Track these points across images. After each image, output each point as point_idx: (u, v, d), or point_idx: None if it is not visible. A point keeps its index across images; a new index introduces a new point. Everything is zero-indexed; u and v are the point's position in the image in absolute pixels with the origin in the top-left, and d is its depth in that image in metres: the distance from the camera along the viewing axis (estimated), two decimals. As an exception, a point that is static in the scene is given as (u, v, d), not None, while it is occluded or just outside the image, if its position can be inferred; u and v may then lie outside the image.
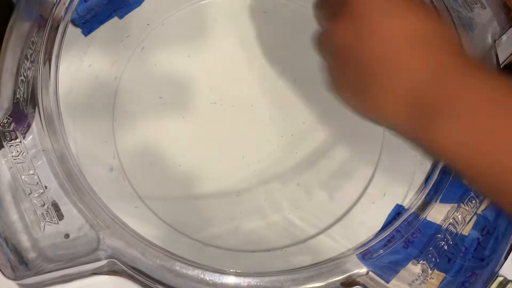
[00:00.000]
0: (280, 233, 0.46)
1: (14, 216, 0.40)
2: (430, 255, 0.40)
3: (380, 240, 0.41)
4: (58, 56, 0.41)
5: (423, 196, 0.43)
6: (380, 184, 0.47)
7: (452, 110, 0.28)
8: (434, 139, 0.29)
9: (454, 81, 0.29)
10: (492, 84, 0.29)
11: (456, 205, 0.41)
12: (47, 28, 0.41)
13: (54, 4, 0.41)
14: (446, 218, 0.41)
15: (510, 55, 0.45)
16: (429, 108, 0.29)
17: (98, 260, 0.38)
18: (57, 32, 0.41)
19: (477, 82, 0.29)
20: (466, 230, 0.42)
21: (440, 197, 0.42)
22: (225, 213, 0.46)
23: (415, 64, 0.30)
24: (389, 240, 0.41)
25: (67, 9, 0.41)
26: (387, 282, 0.41)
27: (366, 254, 0.41)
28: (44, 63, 0.41)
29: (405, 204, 0.46)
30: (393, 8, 0.31)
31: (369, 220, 0.46)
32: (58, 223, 0.39)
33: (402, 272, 0.42)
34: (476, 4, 0.42)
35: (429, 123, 0.29)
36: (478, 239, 0.42)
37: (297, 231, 0.46)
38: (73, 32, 0.47)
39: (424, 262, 0.40)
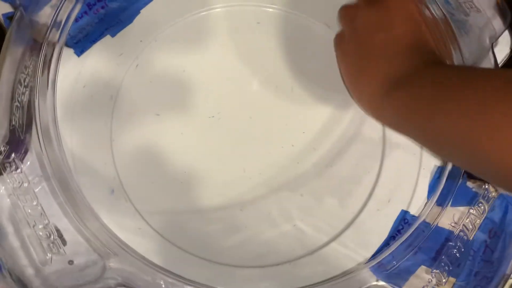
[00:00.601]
0: (288, 245, 0.46)
1: (16, 246, 0.39)
2: (443, 264, 0.40)
3: (393, 251, 0.40)
4: (54, 82, 0.40)
5: (433, 203, 0.43)
6: (384, 191, 0.47)
7: (403, 85, 0.37)
8: (385, 107, 0.38)
9: (417, 72, 0.37)
10: (440, 70, 0.37)
11: (466, 210, 0.41)
12: (42, 53, 0.40)
13: (48, 27, 0.40)
14: (456, 223, 0.41)
15: (506, 56, 0.46)
16: (391, 87, 0.38)
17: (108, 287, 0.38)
18: (52, 57, 0.40)
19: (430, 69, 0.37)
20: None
21: (450, 202, 0.42)
22: (231, 229, 0.46)
23: (401, 60, 0.39)
24: (404, 249, 0.41)
25: (61, 32, 0.41)
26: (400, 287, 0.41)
27: (380, 266, 0.40)
28: (41, 89, 0.40)
29: (412, 210, 0.46)
30: (411, 16, 0.40)
31: (376, 227, 0.46)
32: (65, 253, 0.38)
33: (412, 279, 0.42)
34: (471, 8, 0.42)
35: (387, 94, 0.38)
36: (485, 241, 0.42)
37: (305, 241, 0.46)
38: (66, 52, 0.46)
39: (438, 271, 0.40)
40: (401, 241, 0.40)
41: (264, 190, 0.47)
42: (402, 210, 0.46)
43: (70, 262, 0.40)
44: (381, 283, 0.42)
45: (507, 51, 0.46)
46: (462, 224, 0.41)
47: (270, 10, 0.50)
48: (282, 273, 0.45)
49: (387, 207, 0.46)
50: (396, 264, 0.40)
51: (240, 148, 0.48)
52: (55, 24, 0.41)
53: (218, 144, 0.48)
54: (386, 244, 0.45)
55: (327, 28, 0.50)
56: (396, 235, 0.45)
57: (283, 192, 0.47)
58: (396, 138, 0.47)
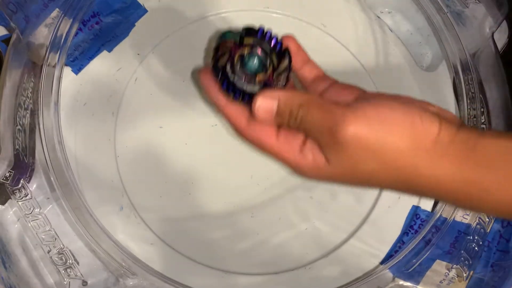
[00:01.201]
0: (302, 248, 0.46)
1: (30, 272, 0.39)
2: (463, 258, 0.40)
3: (412, 249, 0.40)
4: (57, 103, 0.40)
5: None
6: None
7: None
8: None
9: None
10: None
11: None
12: (43, 75, 0.39)
13: (46, 48, 0.40)
14: (468, 215, 0.41)
15: (505, 44, 0.46)
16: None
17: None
18: (53, 78, 0.40)
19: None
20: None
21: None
22: (243, 237, 0.46)
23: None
24: (423, 247, 0.41)
25: (60, 52, 0.40)
26: (417, 284, 0.41)
27: (399, 265, 0.40)
28: (44, 111, 0.39)
29: (423, 205, 0.46)
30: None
31: (389, 223, 0.46)
32: (81, 276, 0.38)
33: (429, 274, 0.42)
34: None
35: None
36: (499, 231, 0.42)
37: (321, 241, 0.46)
38: (63, 71, 0.45)
39: (458, 266, 0.40)
40: (419, 239, 0.40)
41: (273, 194, 0.47)
42: (413, 206, 0.46)
43: (84, 283, 0.40)
44: (401, 282, 0.42)
45: (505, 39, 0.46)
46: (477, 216, 0.41)
47: (264, 14, 0.50)
48: (297, 278, 0.45)
49: (398, 203, 0.46)
50: (416, 262, 0.40)
51: (246, 155, 0.47)
52: (54, 44, 0.40)
53: (223, 152, 0.47)
54: (400, 240, 0.45)
55: (323, 27, 0.50)
56: (409, 230, 0.45)
57: (293, 195, 0.47)
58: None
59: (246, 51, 0.35)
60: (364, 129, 0.31)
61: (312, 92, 0.38)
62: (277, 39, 0.35)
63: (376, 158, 0.31)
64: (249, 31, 0.35)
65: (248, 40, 0.35)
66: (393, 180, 0.32)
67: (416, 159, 0.31)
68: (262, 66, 0.35)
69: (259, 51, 0.35)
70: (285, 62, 0.35)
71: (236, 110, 0.35)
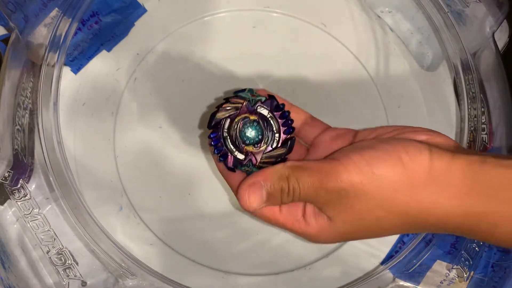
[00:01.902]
0: (302, 249, 0.45)
1: (29, 272, 0.39)
2: (463, 259, 0.40)
3: (412, 249, 0.40)
4: (56, 103, 0.39)
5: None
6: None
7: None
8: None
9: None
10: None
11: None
12: (42, 75, 0.39)
13: (46, 49, 0.40)
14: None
15: (505, 44, 0.46)
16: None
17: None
18: (52, 78, 0.39)
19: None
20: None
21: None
22: (242, 237, 0.46)
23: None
24: (423, 247, 0.40)
25: (59, 52, 0.40)
26: (418, 284, 0.41)
27: (399, 266, 0.40)
28: (43, 111, 0.39)
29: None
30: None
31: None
32: (81, 276, 0.38)
33: (429, 274, 0.42)
34: (472, -1, 0.42)
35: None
36: (500, 231, 0.42)
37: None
38: (62, 71, 0.45)
39: (459, 266, 0.40)
40: (420, 239, 0.40)
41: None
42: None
43: (83, 283, 0.40)
44: (401, 282, 0.42)
45: (506, 39, 0.46)
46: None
47: (264, 14, 0.50)
48: (297, 278, 0.45)
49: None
50: (416, 262, 0.40)
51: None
52: (53, 44, 0.40)
53: (223, 152, 0.47)
54: (400, 240, 0.45)
55: (323, 27, 0.49)
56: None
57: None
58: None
59: (253, 117, 0.34)
60: (356, 176, 0.30)
61: (303, 139, 0.37)
62: (289, 124, 0.35)
63: (376, 202, 0.30)
64: (270, 99, 0.35)
65: (262, 110, 0.34)
66: (400, 223, 0.31)
67: (415, 196, 0.30)
68: (256, 139, 0.34)
69: (262, 124, 0.34)
70: (281, 151, 0.34)
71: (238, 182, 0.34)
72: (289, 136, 0.35)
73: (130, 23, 0.48)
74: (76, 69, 0.46)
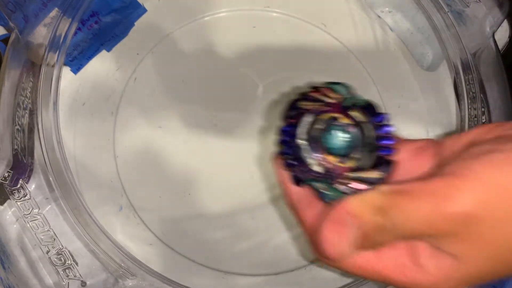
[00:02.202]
0: (303, 249, 0.45)
1: (29, 273, 0.39)
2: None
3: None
4: (56, 103, 0.39)
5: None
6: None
7: None
8: None
9: None
10: None
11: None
12: (42, 75, 0.39)
13: (45, 49, 0.40)
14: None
15: (505, 44, 0.46)
16: None
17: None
18: (52, 78, 0.39)
19: None
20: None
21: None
22: (243, 237, 0.46)
23: None
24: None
25: (59, 52, 0.40)
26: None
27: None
28: (43, 111, 0.39)
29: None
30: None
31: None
32: (80, 276, 0.38)
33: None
34: (472, -1, 0.42)
35: None
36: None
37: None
38: (62, 70, 0.45)
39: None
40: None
41: (273, 194, 0.47)
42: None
43: (83, 283, 0.40)
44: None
45: (506, 39, 0.46)
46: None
47: (264, 13, 0.50)
48: (297, 278, 0.45)
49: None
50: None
51: (246, 155, 0.47)
52: (53, 44, 0.40)
53: (223, 152, 0.47)
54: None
55: (323, 27, 0.50)
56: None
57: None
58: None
59: (346, 121, 0.26)
60: (484, 194, 0.23)
61: None
62: (392, 143, 0.26)
63: None
64: (367, 107, 0.26)
65: (357, 114, 0.26)
66: None
67: None
68: (344, 150, 0.26)
69: (358, 132, 0.26)
70: (377, 175, 0.25)
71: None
72: (389, 157, 0.26)
73: (130, 23, 0.48)
74: (76, 69, 0.46)
